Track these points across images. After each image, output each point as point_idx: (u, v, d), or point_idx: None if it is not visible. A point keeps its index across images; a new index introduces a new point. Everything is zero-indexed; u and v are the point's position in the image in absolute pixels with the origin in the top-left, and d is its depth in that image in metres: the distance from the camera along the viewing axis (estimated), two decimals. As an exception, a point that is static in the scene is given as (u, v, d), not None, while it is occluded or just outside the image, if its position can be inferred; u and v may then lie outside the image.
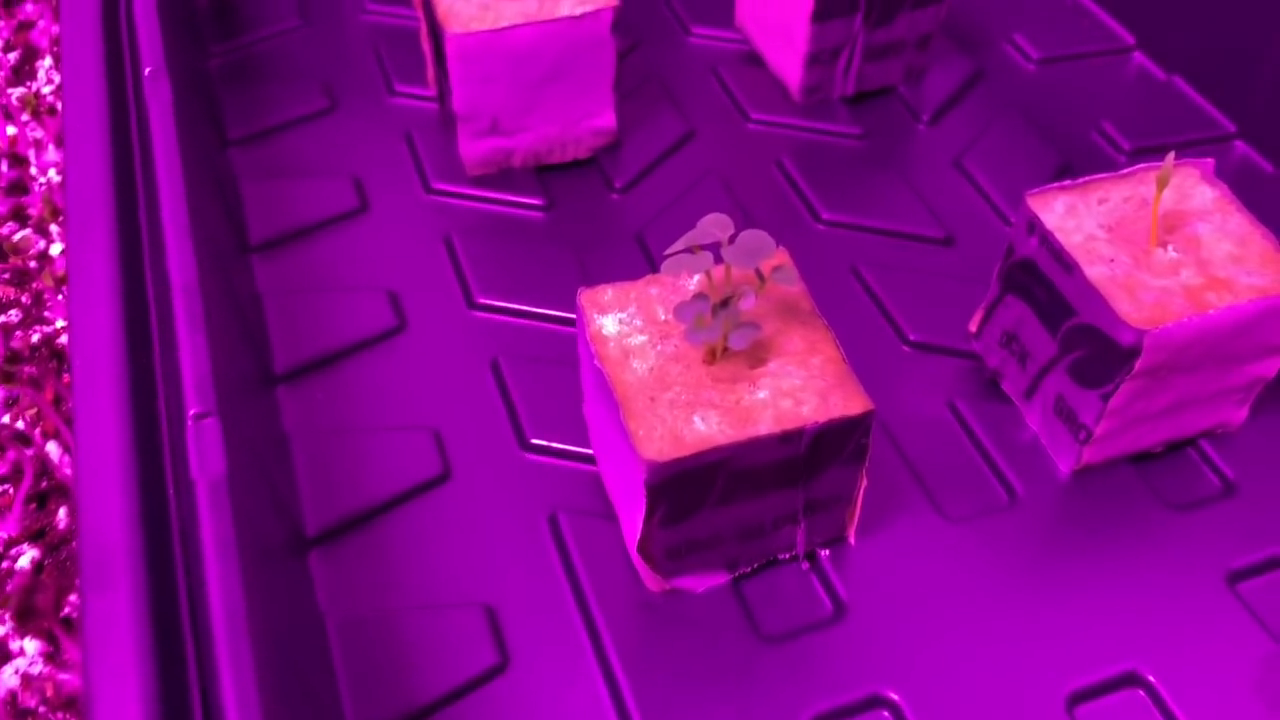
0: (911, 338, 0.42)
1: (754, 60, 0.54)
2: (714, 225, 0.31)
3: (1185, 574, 0.36)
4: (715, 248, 0.32)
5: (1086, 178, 0.37)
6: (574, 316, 0.42)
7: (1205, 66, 0.52)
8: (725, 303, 0.31)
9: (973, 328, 0.41)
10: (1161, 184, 0.35)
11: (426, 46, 0.49)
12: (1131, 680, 0.34)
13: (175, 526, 0.29)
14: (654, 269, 0.44)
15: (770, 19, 0.52)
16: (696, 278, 0.34)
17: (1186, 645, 0.34)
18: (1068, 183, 0.37)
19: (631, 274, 0.36)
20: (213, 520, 0.28)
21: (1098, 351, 0.35)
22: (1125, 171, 0.38)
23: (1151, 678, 0.34)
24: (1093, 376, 0.35)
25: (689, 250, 0.31)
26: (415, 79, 0.52)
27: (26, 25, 0.66)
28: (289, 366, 0.42)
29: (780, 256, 0.34)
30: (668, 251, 0.32)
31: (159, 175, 0.37)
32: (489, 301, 0.43)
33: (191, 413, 0.30)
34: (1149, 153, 0.50)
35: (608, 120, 0.48)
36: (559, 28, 0.44)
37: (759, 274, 0.32)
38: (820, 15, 0.48)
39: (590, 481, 0.38)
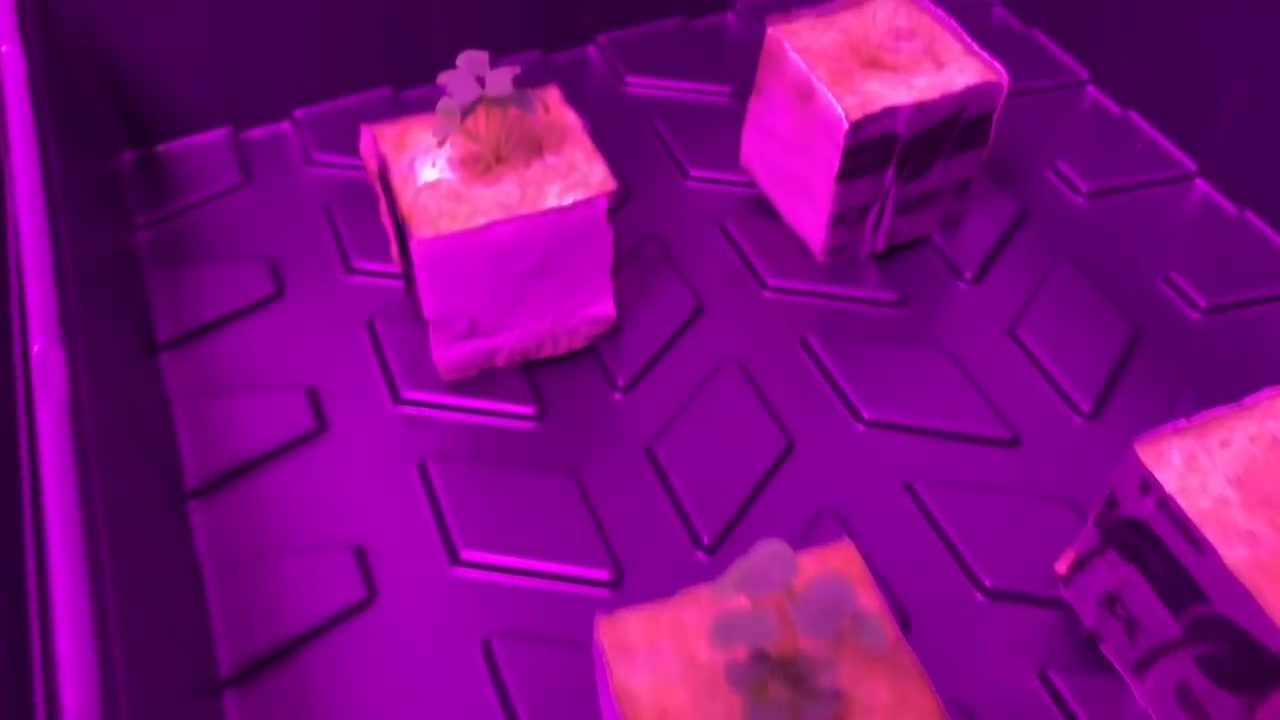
0: (987, 584, 0.35)
1: (764, 208, 0.47)
2: (773, 562, 0.24)
3: None
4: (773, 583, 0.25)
5: (1202, 417, 0.31)
6: (587, 575, 0.35)
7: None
8: (792, 671, 0.24)
9: (1061, 569, 0.34)
10: (1312, 448, 0.28)
11: (387, 222, 0.42)
12: None
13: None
14: (671, 496, 0.38)
15: (785, 169, 0.45)
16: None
17: None
18: (1182, 424, 0.30)
19: (644, 502, 0.30)
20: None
21: (1241, 652, 0.28)
22: (1248, 402, 0.31)
23: None
24: (1234, 678, 0.29)
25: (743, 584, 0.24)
26: (376, 251, 0.45)
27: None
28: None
29: (861, 601, 0.27)
30: (717, 583, 0.25)
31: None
32: (477, 559, 0.36)
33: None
34: (1230, 309, 0.43)
35: (606, 308, 0.41)
36: (547, 220, 0.37)
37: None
38: (846, 175, 0.41)
39: (528, 600, 0.33)
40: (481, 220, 0.36)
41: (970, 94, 0.41)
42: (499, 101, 0.36)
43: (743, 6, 0.56)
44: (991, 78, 0.41)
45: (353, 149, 0.49)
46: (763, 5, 0.56)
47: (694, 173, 0.49)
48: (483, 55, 0.36)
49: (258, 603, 0.35)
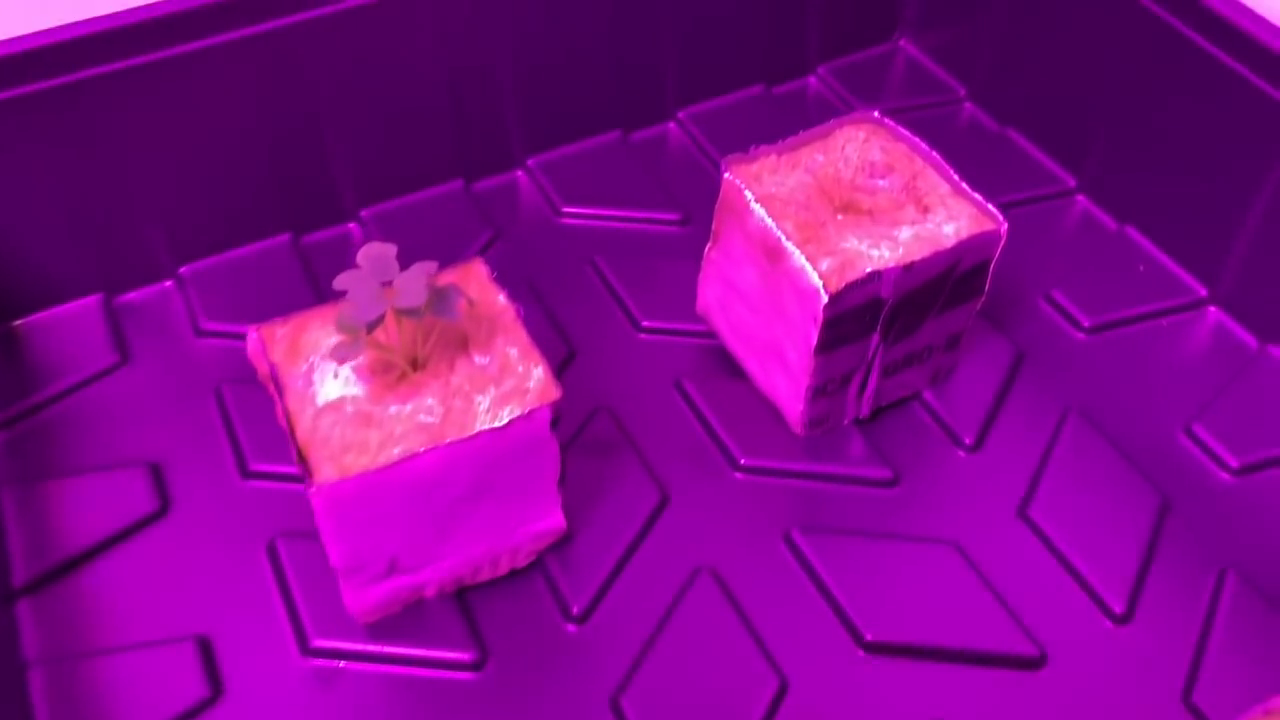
0: None
1: (729, 366, 0.41)
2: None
3: None
4: None
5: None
6: None
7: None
8: None
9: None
10: None
11: (285, 425, 0.35)
12: None
13: None
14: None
15: (752, 329, 0.39)
16: None
17: None
18: (1274, 707, 0.25)
19: None
20: None
21: None
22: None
23: None
24: None
25: None
26: (276, 451, 0.38)
27: None
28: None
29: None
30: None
31: None
32: None
33: None
34: (1265, 467, 0.38)
35: (553, 521, 0.34)
36: (477, 444, 0.30)
37: None
38: (826, 347, 0.35)
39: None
40: (397, 451, 0.30)
41: (964, 247, 0.35)
42: (411, 312, 0.29)
43: (684, 115, 0.50)
44: (988, 226, 0.35)
45: (248, 314, 0.42)
46: (705, 113, 0.50)
47: (646, 323, 0.42)
48: (390, 250, 0.30)
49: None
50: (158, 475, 0.38)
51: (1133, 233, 0.45)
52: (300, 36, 0.41)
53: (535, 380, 0.31)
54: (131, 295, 0.43)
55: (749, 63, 0.51)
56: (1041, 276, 0.44)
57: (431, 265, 0.30)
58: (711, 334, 0.42)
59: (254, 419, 0.39)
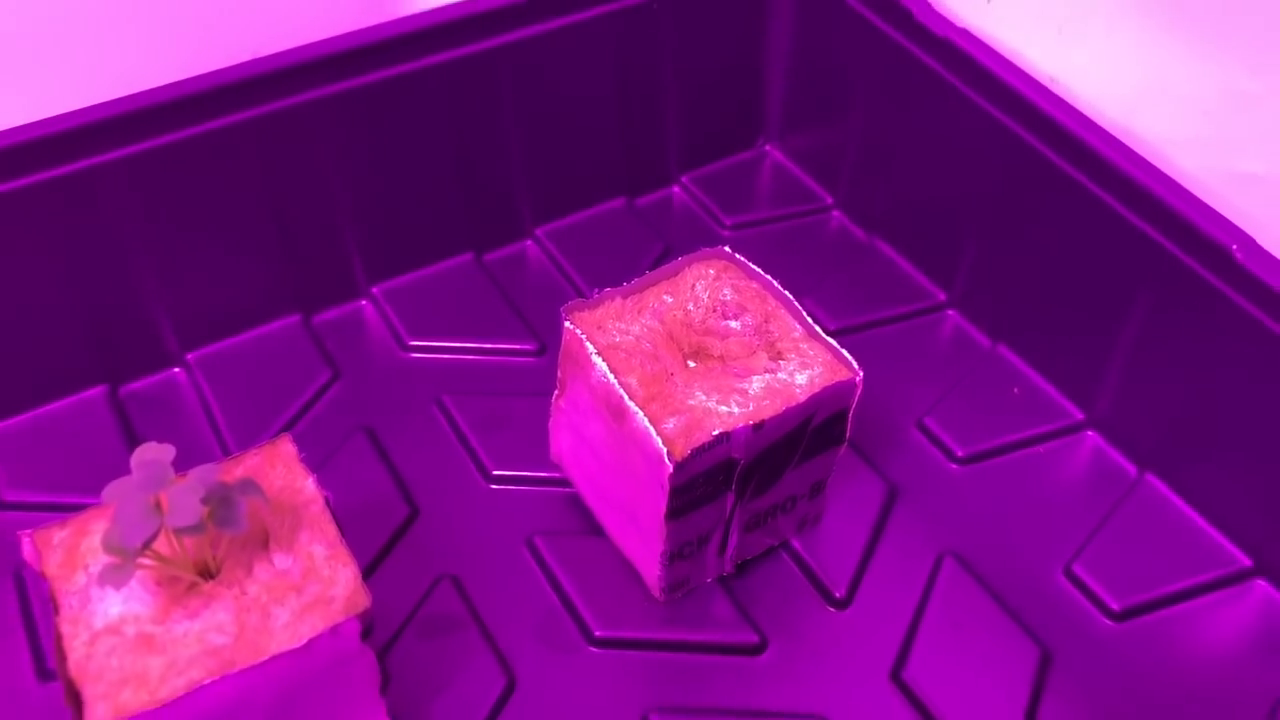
0: None
1: (582, 513, 0.38)
2: None
3: None
4: None
5: None
6: None
7: (1222, 498, 0.39)
8: None
9: None
10: None
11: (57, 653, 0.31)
12: None
13: None
14: None
15: (603, 485, 0.36)
16: None
17: None
18: None
19: None
20: None
21: None
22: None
23: None
24: None
25: None
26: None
27: None
28: None
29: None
30: None
31: None
32: None
33: None
34: (1148, 610, 0.36)
35: (380, 728, 0.31)
36: (275, 667, 0.27)
37: None
38: (677, 513, 0.33)
39: None
40: (181, 682, 0.26)
41: (818, 400, 0.33)
42: (188, 530, 0.26)
43: (541, 232, 0.48)
44: (843, 375, 0.33)
45: (257, 396, 0.38)
46: (564, 229, 0.48)
47: (496, 471, 0.39)
48: (166, 454, 0.27)
49: None
50: None
51: (1005, 351, 0.43)
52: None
53: (343, 586, 0.28)
54: (136, 384, 0.40)
55: (609, 174, 0.48)
56: (912, 402, 0.42)
57: (211, 469, 0.26)
58: (567, 482, 0.39)
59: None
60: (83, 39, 0.41)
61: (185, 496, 0.25)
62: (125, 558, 0.26)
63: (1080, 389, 0.41)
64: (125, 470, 0.28)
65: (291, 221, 0.42)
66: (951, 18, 0.42)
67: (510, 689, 0.34)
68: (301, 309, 0.44)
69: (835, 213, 0.49)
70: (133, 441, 0.40)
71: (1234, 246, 0.35)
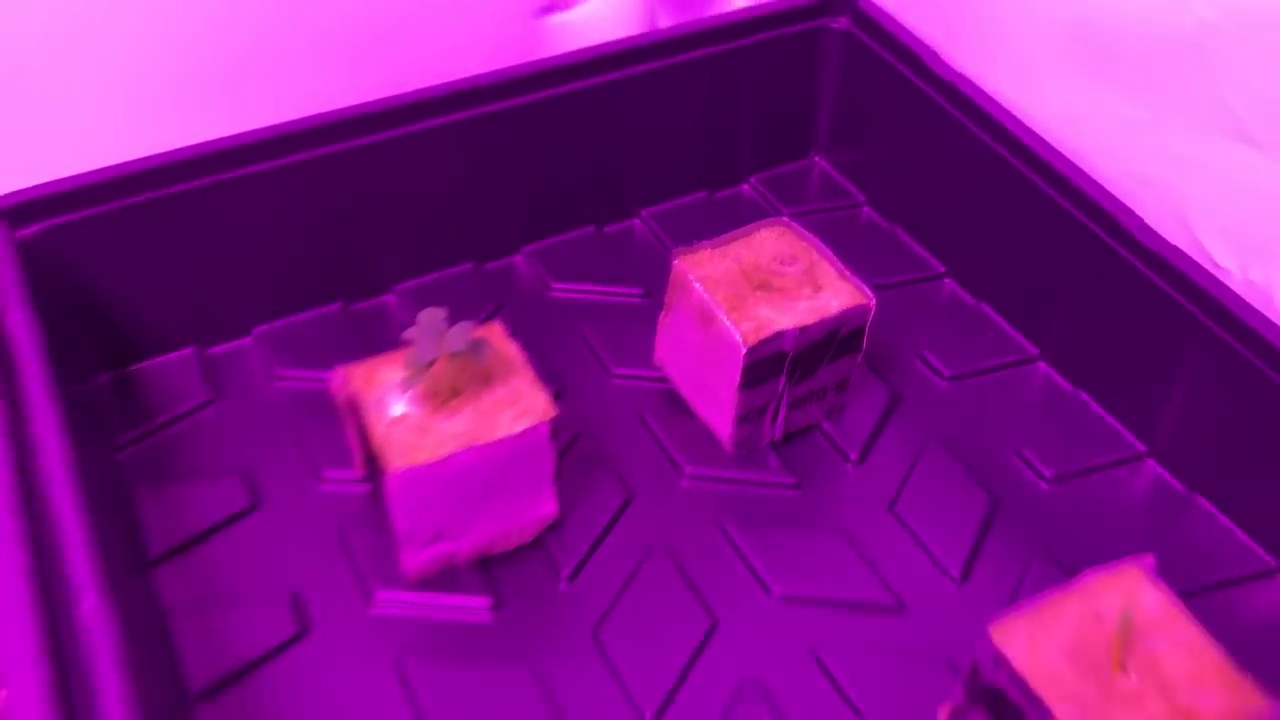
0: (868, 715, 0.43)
1: (677, 403, 0.54)
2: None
3: None
4: None
5: (1043, 599, 0.39)
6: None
7: (1113, 383, 0.55)
8: None
9: (941, 722, 0.42)
10: (1124, 629, 0.36)
11: (353, 440, 0.48)
12: None
13: None
14: (613, 674, 0.44)
15: (693, 375, 0.52)
16: None
17: None
18: (1027, 607, 0.38)
19: (590, 680, 0.37)
20: None
21: (1079, 791, 0.36)
22: (1080, 586, 0.39)
23: None
24: (1075, 813, 0.36)
25: None
26: (341, 459, 0.51)
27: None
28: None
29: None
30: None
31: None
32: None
33: None
34: (1071, 478, 0.52)
35: (549, 509, 0.48)
36: (500, 446, 0.44)
37: None
38: (746, 385, 0.49)
39: None
40: (444, 451, 0.43)
41: (844, 316, 0.49)
42: (457, 355, 0.42)
43: (646, 213, 0.64)
44: (861, 301, 0.49)
45: (308, 362, 0.55)
46: (662, 212, 0.65)
47: (616, 371, 0.56)
48: (440, 313, 0.43)
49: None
50: (250, 481, 0.50)
51: (987, 309, 0.59)
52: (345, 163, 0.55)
53: (539, 404, 0.44)
54: (218, 348, 0.57)
55: (695, 173, 0.65)
56: (913, 339, 0.58)
57: (470, 324, 0.43)
58: (665, 379, 0.55)
59: (321, 437, 0.52)
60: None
61: (457, 334, 0.42)
62: (417, 371, 0.42)
63: (1033, 325, 0.57)
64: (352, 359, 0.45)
65: (477, 205, 0.59)
66: (955, 65, 0.59)
67: (629, 501, 0.50)
68: (475, 259, 0.61)
69: (865, 208, 0.65)
70: (363, 342, 0.57)
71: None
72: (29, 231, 0.49)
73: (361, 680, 0.44)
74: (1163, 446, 0.52)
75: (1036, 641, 0.37)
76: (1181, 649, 0.38)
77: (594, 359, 0.57)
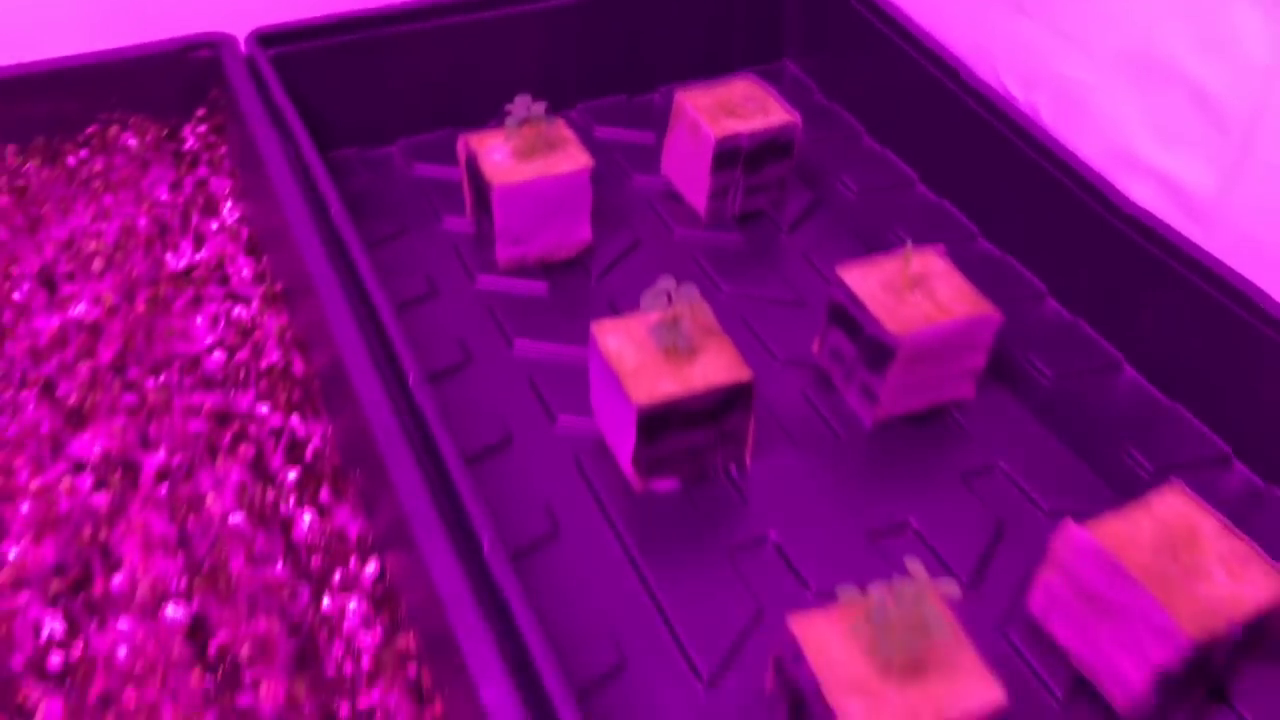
0: (780, 356, 0.70)
1: (674, 196, 0.82)
2: (663, 283, 0.59)
3: (934, 475, 0.63)
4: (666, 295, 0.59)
5: (878, 255, 0.66)
6: (584, 346, 0.69)
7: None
8: (674, 322, 0.58)
9: (814, 349, 0.69)
10: (906, 258, 0.64)
11: (468, 192, 0.76)
12: (905, 526, 0.61)
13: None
14: (612, 308, 0.72)
15: (683, 170, 0.81)
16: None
17: (941, 507, 0.62)
18: (863, 259, 0.66)
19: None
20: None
21: (879, 353, 0.63)
22: (898, 251, 0.66)
23: (916, 525, 0.61)
24: (878, 367, 0.63)
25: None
26: (459, 211, 0.79)
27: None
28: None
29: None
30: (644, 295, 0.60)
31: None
32: (527, 344, 0.70)
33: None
34: (922, 241, 0.79)
35: (586, 235, 0.76)
36: (560, 179, 0.72)
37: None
38: (715, 168, 0.77)
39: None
40: (527, 177, 0.71)
41: (782, 129, 0.77)
42: (533, 122, 0.71)
43: (664, 88, 0.93)
44: (792, 120, 0.77)
45: (435, 159, 0.84)
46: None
47: (635, 176, 0.84)
48: (527, 97, 0.72)
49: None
50: (432, 283, 0.79)
51: (891, 154, 0.87)
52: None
53: (582, 159, 0.73)
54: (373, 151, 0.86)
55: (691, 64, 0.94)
56: (836, 167, 0.86)
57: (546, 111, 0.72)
58: (668, 184, 0.83)
59: (472, 256, 0.80)
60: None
61: (521, 104, 0.71)
62: (513, 129, 0.71)
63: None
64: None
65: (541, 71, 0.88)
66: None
67: (635, 245, 0.78)
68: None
69: (818, 96, 0.94)
70: (468, 152, 0.85)
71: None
72: (279, 50, 0.79)
73: (471, 316, 0.72)
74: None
75: (865, 277, 0.65)
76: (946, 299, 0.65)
77: (621, 164, 0.85)
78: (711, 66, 0.94)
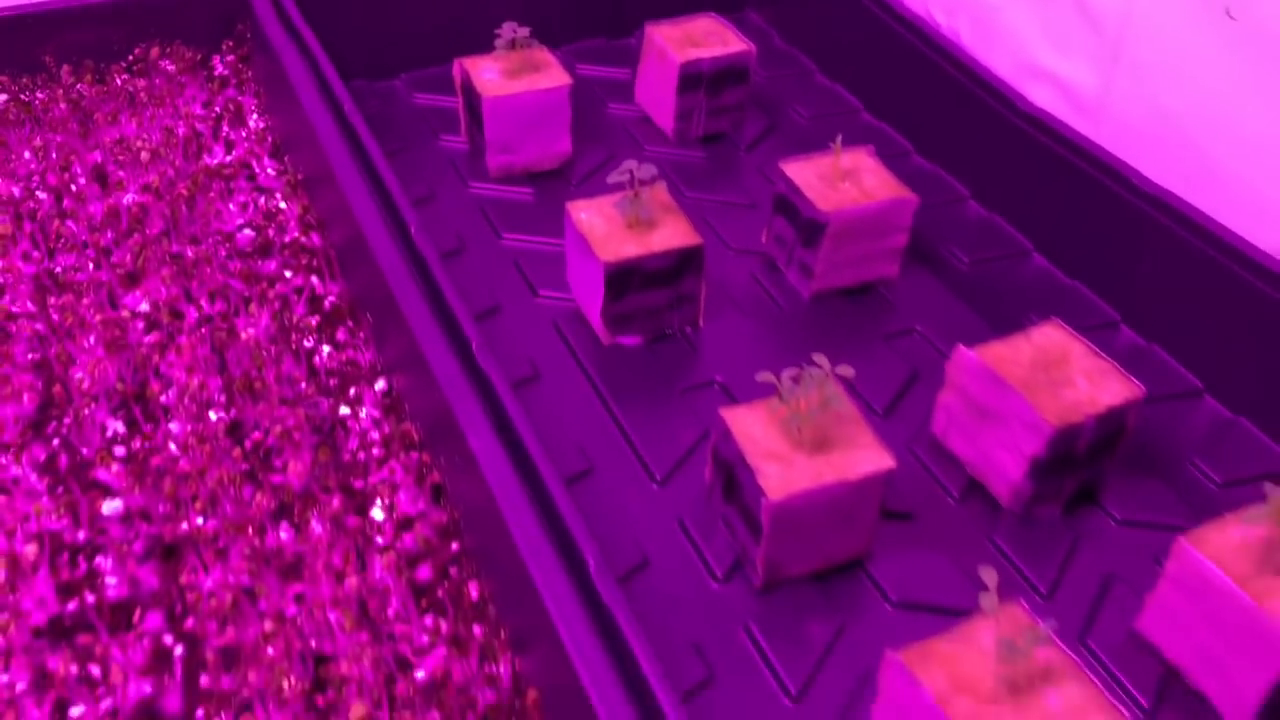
0: (734, 246, 0.81)
1: (646, 121, 0.93)
2: (628, 164, 0.69)
3: (861, 336, 0.74)
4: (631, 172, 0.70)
5: (815, 153, 0.77)
6: (562, 237, 0.79)
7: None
8: (635, 197, 0.69)
9: (763, 239, 0.80)
10: (836, 152, 0.74)
11: (462, 111, 0.87)
12: (835, 378, 0.71)
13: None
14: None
15: (653, 96, 0.91)
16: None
17: (865, 359, 0.72)
18: (801, 155, 0.76)
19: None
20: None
21: (813, 230, 0.73)
22: (826, 151, 0.77)
23: (844, 377, 0.71)
24: (812, 243, 0.74)
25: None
26: (455, 132, 0.90)
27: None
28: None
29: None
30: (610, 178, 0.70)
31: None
32: (514, 237, 0.81)
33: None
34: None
35: (567, 148, 0.86)
36: (542, 94, 0.82)
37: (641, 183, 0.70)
38: (680, 91, 0.88)
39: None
40: (513, 91, 0.82)
41: (737, 57, 0.88)
42: (519, 45, 0.82)
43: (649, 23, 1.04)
44: (747, 48, 0.88)
45: (434, 90, 0.95)
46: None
47: (611, 104, 0.95)
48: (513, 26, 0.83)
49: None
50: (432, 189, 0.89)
51: (842, 93, 0.98)
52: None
53: (560, 77, 0.83)
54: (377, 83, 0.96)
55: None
56: (788, 101, 0.96)
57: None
58: (641, 110, 0.94)
59: (466, 166, 0.91)
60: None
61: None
62: (504, 49, 0.81)
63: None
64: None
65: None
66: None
67: (612, 157, 0.89)
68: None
69: (778, 40, 1.04)
70: (464, 85, 0.96)
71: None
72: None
73: (466, 224, 0.82)
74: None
75: (802, 170, 0.75)
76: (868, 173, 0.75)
77: (598, 95, 0.96)
78: (682, 11, 1.05)
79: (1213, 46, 0.64)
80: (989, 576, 0.46)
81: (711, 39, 0.89)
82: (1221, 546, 0.51)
